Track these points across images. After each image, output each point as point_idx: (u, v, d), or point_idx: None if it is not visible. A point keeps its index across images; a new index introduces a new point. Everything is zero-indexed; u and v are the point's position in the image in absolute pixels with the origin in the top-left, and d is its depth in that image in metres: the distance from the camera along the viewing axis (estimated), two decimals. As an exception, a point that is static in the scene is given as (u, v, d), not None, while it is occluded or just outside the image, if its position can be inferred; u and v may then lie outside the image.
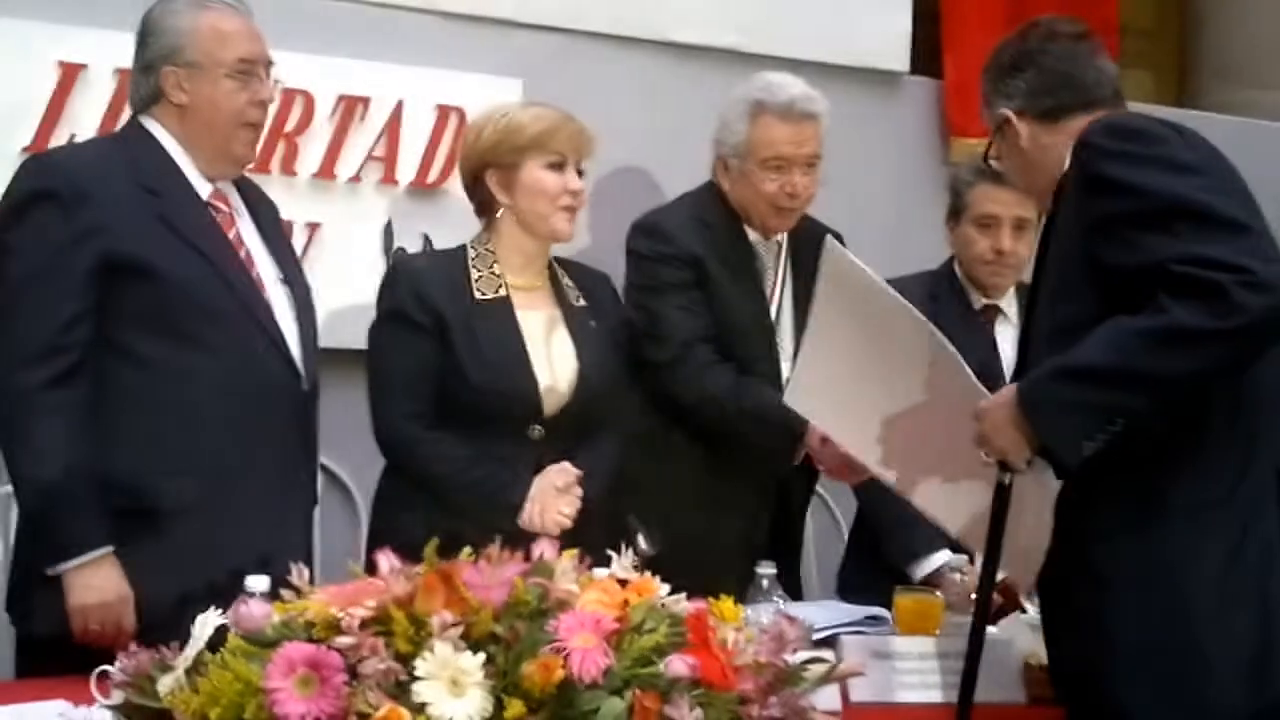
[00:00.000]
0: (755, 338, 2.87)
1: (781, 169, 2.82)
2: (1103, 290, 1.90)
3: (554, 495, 2.51)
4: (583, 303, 2.69)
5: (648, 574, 1.68)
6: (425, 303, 2.54)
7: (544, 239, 2.62)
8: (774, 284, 2.92)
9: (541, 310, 2.64)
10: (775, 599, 2.25)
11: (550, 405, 2.57)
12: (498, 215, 2.62)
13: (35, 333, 2.21)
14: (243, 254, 2.39)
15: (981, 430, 1.98)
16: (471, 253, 2.63)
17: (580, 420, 2.62)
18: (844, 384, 2.26)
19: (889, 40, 3.93)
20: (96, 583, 2.20)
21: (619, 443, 2.70)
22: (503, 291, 2.60)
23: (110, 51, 2.86)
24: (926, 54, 4.04)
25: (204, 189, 2.38)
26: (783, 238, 2.95)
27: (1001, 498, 2.01)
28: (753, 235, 2.91)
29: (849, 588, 2.95)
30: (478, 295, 2.58)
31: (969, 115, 3.90)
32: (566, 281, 2.70)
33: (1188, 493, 1.90)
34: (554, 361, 2.60)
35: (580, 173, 2.63)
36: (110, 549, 2.22)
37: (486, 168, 2.60)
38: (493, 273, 2.61)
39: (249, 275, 2.38)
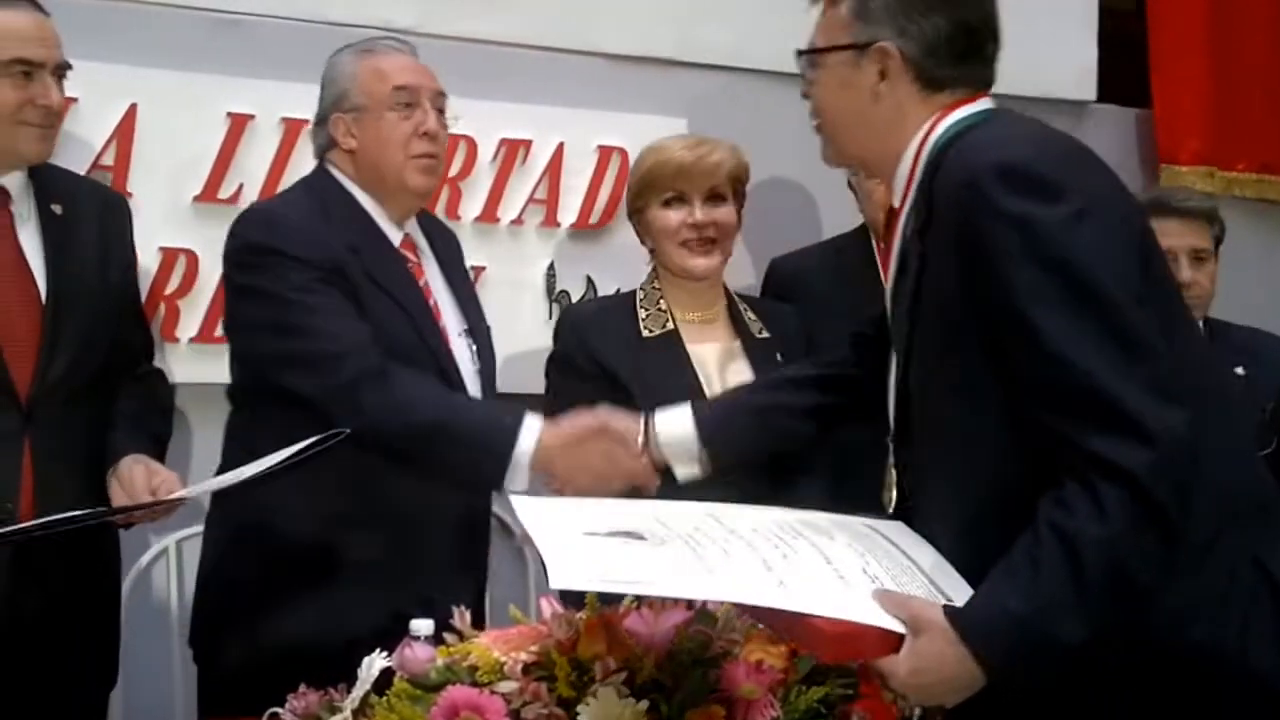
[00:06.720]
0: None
1: None
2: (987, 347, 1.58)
3: None
4: (766, 334, 2.67)
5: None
6: (588, 349, 2.58)
7: (682, 278, 2.66)
8: None
9: (716, 342, 2.66)
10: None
11: None
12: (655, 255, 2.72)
13: None
14: (431, 303, 2.42)
15: (908, 684, 1.48)
16: (640, 294, 2.70)
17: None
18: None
19: (1075, 70, 3.84)
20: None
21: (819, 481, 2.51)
22: (670, 326, 2.63)
23: (276, 102, 2.93)
24: (1112, 82, 3.92)
25: (395, 237, 2.42)
26: None
27: None
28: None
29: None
30: (645, 333, 2.63)
31: (1177, 142, 3.94)
32: (749, 315, 2.70)
33: None
34: None
35: (726, 197, 2.65)
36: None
37: (631, 215, 2.73)
38: (659, 309, 2.66)
39: (436, 325, 2.40)
